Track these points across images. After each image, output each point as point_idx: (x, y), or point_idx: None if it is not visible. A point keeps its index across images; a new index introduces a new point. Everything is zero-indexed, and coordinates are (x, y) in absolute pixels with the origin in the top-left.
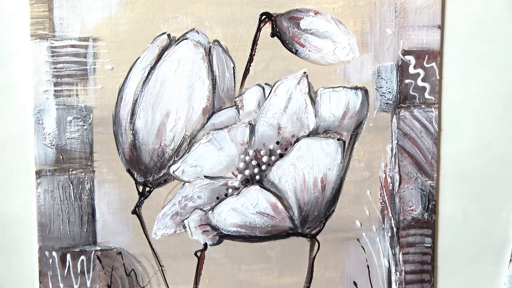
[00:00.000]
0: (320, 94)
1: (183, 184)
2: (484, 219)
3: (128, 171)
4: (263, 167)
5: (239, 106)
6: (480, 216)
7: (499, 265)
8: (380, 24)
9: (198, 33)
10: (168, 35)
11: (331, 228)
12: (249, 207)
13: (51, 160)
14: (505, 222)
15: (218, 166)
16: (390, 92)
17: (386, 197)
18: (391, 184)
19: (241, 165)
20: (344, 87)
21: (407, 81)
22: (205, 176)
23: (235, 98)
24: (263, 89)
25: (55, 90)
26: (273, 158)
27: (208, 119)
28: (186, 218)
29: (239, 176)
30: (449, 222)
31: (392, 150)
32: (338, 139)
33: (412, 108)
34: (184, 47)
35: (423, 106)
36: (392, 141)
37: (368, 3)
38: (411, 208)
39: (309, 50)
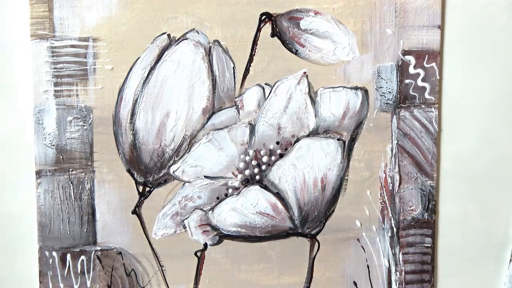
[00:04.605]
0: (320, 94)
1: (183, 184)
2: (484, 219)
3: (128, 171)
4: (263, 167)
5: (239, 106)
6: (480, 216)
7: (499, 265)
8: (380, 24)
9: (198, 33)
10: (168, 35)
11: (331, 228)
12: (249, 207)
13: (51, 160)
14: (505, 222)
15: (218, 166)
16: (390, 92)
17: (386, 197)
18: (391, 184)
19: (241, 165)
20: (344, 87)
21: (407, 81)
22: (205, 176)
23: (235, 98)
24: (263, 89)
25: (55, 90)
26: (273, 158)
27: (208, 119)
28: (186, 218)
29: (239, 176)
30: (449, 222)
31: (392, 150)
32: (338, 139)
33: (412, 108)
34: (184, 47)
35: (423, 106)
36: (392, 141)
37: (368, 3)
38: (411, 208)
39: (309, 50)
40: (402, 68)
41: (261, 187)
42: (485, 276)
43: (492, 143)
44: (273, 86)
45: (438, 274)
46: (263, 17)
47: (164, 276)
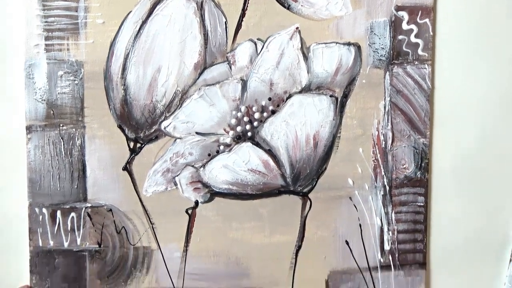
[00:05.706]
0: (313, 50)
1: (174, 140)
2: (484, 219)
3: (119, 127)
4: (255, 123)
5: (231, 62)
6: (480, 216)
7: (499, 265)
8: None
9: None
10: None
11: (323, 186)
12: (240, 164)
13: (42, 115)
14: (505, 222)
15: (209, 122)
16: (383, 48)
17: (378, 155)
18: (383, 142)
19: (233, 121)
20: (337, 42)
21: (400, 37)
22: (196, 133)
23: (227, 53)
24: (255, 44)
25: (46, 44)
26: (265, 114)
27: (200, 74)
28: (177, 175)
29: (231, 132)
30: (449, 222)
31: (385, 107)
32: (331, 96)
33: (405, 64)
34: (176, 2)
35: (416, 63)
36: (385, 98)
37: None
38: (404, 166)
39: (301, 5)
40: (395, 24)
41: (252, 144)
42: (485, 276)
43: (492, 142)
44: (266, 42)
45: (438, 274)
46: None
47: (155, 234)
